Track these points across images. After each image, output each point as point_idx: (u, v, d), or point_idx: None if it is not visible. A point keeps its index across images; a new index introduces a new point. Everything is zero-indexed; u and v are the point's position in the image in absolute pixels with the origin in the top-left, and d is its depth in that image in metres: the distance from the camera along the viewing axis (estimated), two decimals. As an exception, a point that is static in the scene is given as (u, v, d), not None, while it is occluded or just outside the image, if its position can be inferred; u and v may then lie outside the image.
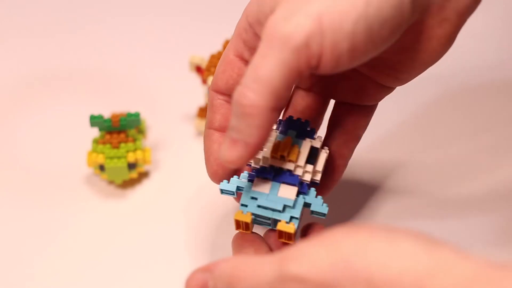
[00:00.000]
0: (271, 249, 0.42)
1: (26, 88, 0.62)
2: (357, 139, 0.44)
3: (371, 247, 0.30)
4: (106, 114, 0.54)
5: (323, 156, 0.42)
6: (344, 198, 0.53)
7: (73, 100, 0.61)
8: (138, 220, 0.52)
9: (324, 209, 0.41)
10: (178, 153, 0.57)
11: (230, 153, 0.37)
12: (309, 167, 0.41)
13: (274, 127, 0.43)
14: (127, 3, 0.69)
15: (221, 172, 0.42)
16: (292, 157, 0.41)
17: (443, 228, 0.51)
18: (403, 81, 0.42)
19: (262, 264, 0.32)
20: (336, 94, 0.44)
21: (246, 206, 0.41)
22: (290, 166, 0.41)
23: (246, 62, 0.42)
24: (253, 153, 0.37)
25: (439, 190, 0.54)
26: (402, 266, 0.29)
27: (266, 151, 0.41)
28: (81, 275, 0.49)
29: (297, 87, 0.45)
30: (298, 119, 0.43)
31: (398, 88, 0.43)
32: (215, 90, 0.43)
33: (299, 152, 0.41)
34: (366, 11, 0.35)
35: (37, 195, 0.54)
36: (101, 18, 0.68)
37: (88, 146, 0.55)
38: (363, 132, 0.45)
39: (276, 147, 0.41)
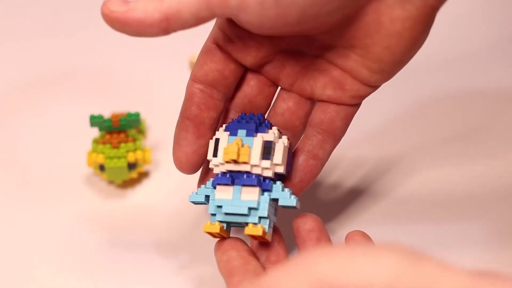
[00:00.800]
0: (251, 250, 0.42)
1: (26, 88, 0.62)
2: (334, 140, 0.44)
3: (352, 267, 0.29)
4: (106, 114, 0.54)
5: (279, 147, 0.41)
6: (328, 199, 0.53)
7: (73, 100, 0.61)
8: (138, 220, 0.52)
9: (292, 201, 0.41)
10: (178, 153, 0.57)
11: (113, 2, 0.37)
12: (266, 163, 0.41)
13: (224, 129, 0.43)
14: (127, 3, 0.69)
15: (184, 160, 0.43)
16: (244, 159, 0.41)
17: (434, 230, 0.51)
18: (379, 74, 0.41)
19: None
20: (316, 91, 0.43)
21: (214, 215, 0.41)
22: (246, 167, 0.41)
23: (221, 48, 0.43)
24: (119, 21, 0.37)
25: (427, 191, 0.54)
26: (387, 283, 0.28)
27: (218, 158, 0.41)
28: (81, 275, 0.49)
29: (282, 90, 0.45)
30: (251, 114, 0.43)
31: (386, 87, 0.43)
32: (192, 78, 0.43)
33: (250, 151, 0.41)
34: None
35: (37, 195, 0.54)
36: (101, 18, 0.68)
37: (88, 146, 0.55)
38: (342, 133, 0.44)
39: (226, 152, 0.41)
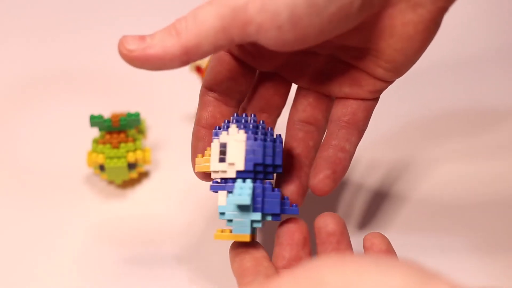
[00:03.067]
0: (267, 255, 0.42)
1: (26, 89, 0.62)
2: (358, 132, 0.44)
3: (361, 284, 0.28)
4: (106, 114, 0.54)
5: (231, 145, 0.40)
6: (343, 201, 0.53)
7: (73, 100, 0.61)
8: (138, 220, 0.52)
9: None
10: (178, 153, 0.57)
11: (130, 40, 0.38)
12: (220, 166, 0.41)
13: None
14: (127, 3, 0.69)
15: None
16: (206, 168, 0.41)
17: (443, 237, 0.51)
18: (393, 72, 0.42)
19: None
20: (334, 89, 0.44)
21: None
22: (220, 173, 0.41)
23: (235, 57, 0.42)
24: (138, 60, 0.37)
25: (441, 194, 0.54)
26: None
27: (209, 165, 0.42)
28: (81, 275, 0.49)
29: (299, 88, 0.45)
30: (242, 116, 0.42)
31: (396, 93, 0.43)
32: (205, 86, 0.43)
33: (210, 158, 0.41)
34: None
35: (37, 195, 0.54)
36: (101, 18, 0.68)
37: (88, 146, 0.55)
38: (364, 125, 0.44)
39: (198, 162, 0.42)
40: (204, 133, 0.43)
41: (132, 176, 0.54)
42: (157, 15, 0.68)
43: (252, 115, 0.42)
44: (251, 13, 0.36)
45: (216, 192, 0.41)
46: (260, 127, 0.42)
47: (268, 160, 0.41)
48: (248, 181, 0.40)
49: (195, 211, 0.53)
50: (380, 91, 0.43)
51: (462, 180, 0.55)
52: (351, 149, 0.43)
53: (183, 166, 0.56)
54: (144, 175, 0.55)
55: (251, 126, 0.41)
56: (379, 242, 0.41)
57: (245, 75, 0.43)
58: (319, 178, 0.42)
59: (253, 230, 0.41)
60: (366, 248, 0.41)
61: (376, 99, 0.44)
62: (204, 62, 0.56)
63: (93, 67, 0.63)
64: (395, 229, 0.51)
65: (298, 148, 0.44)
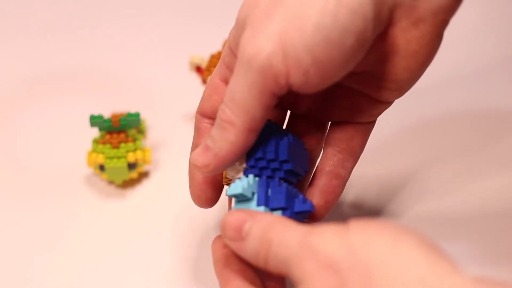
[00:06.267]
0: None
1: (26, 88, 0.62)
2: (354, 157, 0.43)
3: (375, 244, 0.32)
4: (106, 114, 0.54)
5: None
6: (337, 216, 0.53)
7: (73, 100, 0.61)
8: (138, 220, 0.52)
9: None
10: (178, 153, 0.57)
11: (199, 157, 0.39)
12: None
13: None
14: (127, 3, 0.69)
15: (203, 197, 0.43)
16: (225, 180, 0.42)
17: (443, 247, 0.51)
18: (397, 91, 0.41)
19: (294, 227, 0.35)
20: (332, 114, 0.43)
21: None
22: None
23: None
24: (220, 165, 0.39)
25: (437, 207, 0.54)
26: (398, 267, 0.31)
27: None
28: (81, 275, 0.49)
29: (294, 114, 0.44)
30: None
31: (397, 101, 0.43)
32: (201, 113, 0.43)
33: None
34: (321, 22, 0.35)
35: (37, 195, 0.54)
36: (101, 18, 0.68)
37: (88, 146, 0.55)
38: (361, 150, 0.44)
39: None
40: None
41: (132, 176, 0.54)
42: (157, 15, 0.68)
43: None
44: (277, 65, 0.36)
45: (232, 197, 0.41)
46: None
47: (306, 168, 0.42)
48: (251, 176, 0.40)
49: (195, 211, 0.52)
50: (379, 114, 0.43)
51: (463, 189, 0.55)
52: (346, 175, 0.43)
53: (183, 166, 0.55)
54: (144, 175, 0.55)
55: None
56: None
57: None
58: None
59: None
60: None
61: (373, 122, 0.43)
62: (203, 62, 0.56)
63: (93, 67, 0.63)
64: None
65: None
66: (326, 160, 0.43)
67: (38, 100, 0.61)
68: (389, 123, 0.56)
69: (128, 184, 0.54)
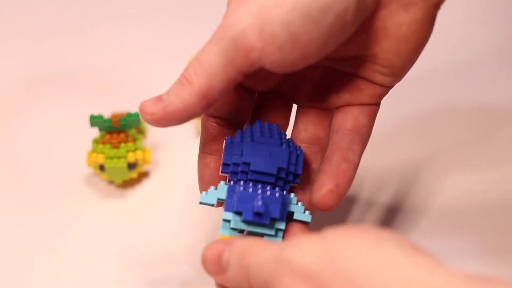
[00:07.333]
0: None
1: (26, 88, 0.62)
2: (362, 140, 0.42)
3: (355, 249, 0.31)
4: (106, 114, 0.54)
5: None
6: (339, 211, 0.53)
7: (73, 100, 0.61)
8: (138, 220, 0.52)
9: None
10: (178, 153, 0.57)
11: (149, 105, 0.38)
12: None
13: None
14: (127, 3, 0.69)
15: None
16: None
17: (445, 243, 0.51)
18: (392, 77, 0.41)
19: (269, 246, 0.34)
20: (333, 100, 0.43)
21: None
22: None
23: None
24: (164, 118, 0.38)
25: (438, 202, 0.54)
26: (380, 271, 0.30)
27: None
28: (81, 274, 0.49)
29: (300, 107, 0.44)
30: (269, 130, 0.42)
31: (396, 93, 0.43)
32: (207, 112, 0.43)
33: None
34: None
35: (37, 195, 0.54)
36: (101, 18, 0.68)
37: (88, 146, 0.55)
38: (368, 133, 0.43)
39: None
40: (209, 160, 0.43)
41: (132, 176, 0.54)
42: (157, 15, 0.68)
43: (275, 124, 0.42)
44: (251, 40, 0.36)
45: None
46: (282, 135, 0.42)
47: (299, 171, 0.41)
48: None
49: (195, 211, 0.53)
50: (381, 95, 0.42)
51: (463, 184, 0.55)
52: (355, 159, 0.42)
53: (183, 166, 0.56)
54: (144, 175, 0.55)
55: (275, 133, 0.41)
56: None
57: (244, 97, 0.43)
58: (322, 193, 0.40)
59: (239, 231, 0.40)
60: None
61: (377, 104, 0.43)
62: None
63: (93, 67, 0.63)
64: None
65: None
66: (333, 145, 0.42)
67: (38, 100, 0.61)
68: (384, 118, 0.56)
69: (128, 184, 0.54)
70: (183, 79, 0.38)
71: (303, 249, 0.32)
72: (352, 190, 0.54)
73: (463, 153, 0.57)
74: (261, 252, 0.34)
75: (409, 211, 0.53)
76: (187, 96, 0.37)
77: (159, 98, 0.38)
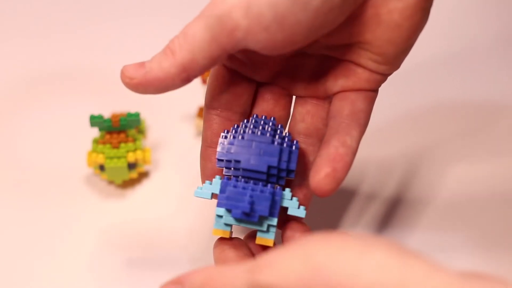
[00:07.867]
0: (252, 253, 0.42)
1: (26, 88, 0.62)
2: (359, 125, 0.41)
3: (343, 257, 0.29)
4: (106, 114, 0.54)
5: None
6: (331, 201, 0.53)
7: (73, 100, 0.61)
8: (138, 220, 0.52)
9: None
10: (178, 153, 0.57)
11: (130, 69, 0.38)
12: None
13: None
14: (127, 3, 0.69)
15: None
16: None
17: (442, 236, 0.51)
18: (387, 65, 0.41)
19: (234, 273, 0.32)
20: (330, 86, 0.43)
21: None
22: None
23: (230, 70, 0.42)
24: (142, 83, 0.38)
25: (435, 196, 0.54)
26: (373, 277, 0.29)
27: None
28: (81, 274, 0.49)
29: (298, 98, 0.44)
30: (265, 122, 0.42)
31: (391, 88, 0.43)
32: (207, 105, 0.43)
33: None
34: None
35: (37, 195, 0.54)
36: (101, 18, 0.68)
37: (88, 146, 0.55)
38: (366, 119, 0.42)
39: None
40: (211, 153, 0.43)
41: (132, 176, 0.54)
42: (157, 15, 0.68)
43: (272, 118, 0.42)
44: (237, 18, 0.36)
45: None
46: (278, 130, 0.41)
47: (293, 167, 0.40)
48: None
49: (195, 211, 0.53)
50: (378, 82, 0.42)
51: (460, 178, 0.55)
52: (352, 143, 0.40)
53: (183, 166, 0.56)
54: (144, 175, 0.55)
55: (269, 129, 0.41)
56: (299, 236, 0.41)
57: (243, 87, 0.43)
58: (319, 177, 0.39)
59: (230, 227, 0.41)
60: (285, 239, 0.42)
61: (375, 91, 0.42)
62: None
63: (93, 67, 0.63)
64: (392, 228, 0.52)
65: (298, 166, 0.43)
66: (330, 131, 0.41)
67: (38, 100, 0.61)
68: (384, 111, 0.57)
69: (128, 184, 0.54)
70: (167, 49, 0.38)
71: (282, 269, 0.30)
72: (351, 183, 0.54)
73: (464, 146, 0.57)
74: (225, 283, 0.32)
75: (410, 204, 0.53)
76: (168, 66, 0.37)
77: (141, 64, 0.38)
